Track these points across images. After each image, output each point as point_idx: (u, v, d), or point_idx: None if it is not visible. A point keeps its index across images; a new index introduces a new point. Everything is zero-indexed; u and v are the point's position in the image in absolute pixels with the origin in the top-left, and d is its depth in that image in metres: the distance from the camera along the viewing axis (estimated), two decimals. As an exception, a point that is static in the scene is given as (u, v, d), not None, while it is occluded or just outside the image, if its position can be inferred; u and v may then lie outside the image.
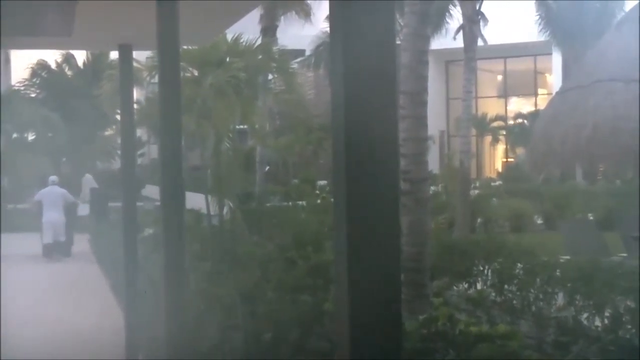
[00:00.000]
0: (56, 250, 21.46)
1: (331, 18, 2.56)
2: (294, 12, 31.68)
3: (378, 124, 2.47)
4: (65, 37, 8.89)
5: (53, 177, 23.34)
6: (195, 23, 8.07)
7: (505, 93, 50.98)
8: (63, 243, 21.62)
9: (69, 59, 38.13)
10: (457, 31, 26.84)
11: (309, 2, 32.00)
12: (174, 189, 6.11)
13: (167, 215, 6.17)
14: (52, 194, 22.05)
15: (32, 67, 37.31)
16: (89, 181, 29.31)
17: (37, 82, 37.34)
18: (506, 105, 50.11)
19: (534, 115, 40.78)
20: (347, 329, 2.43)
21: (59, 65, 38.17)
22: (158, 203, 21.01)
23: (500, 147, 48.55)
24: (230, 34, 21.08)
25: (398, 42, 15.81)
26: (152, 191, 30.40)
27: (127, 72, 9.35)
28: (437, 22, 27.70)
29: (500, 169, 47.16)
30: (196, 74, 21.07)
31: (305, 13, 32.04)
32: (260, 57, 23.34)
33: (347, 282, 2.43)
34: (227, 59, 21.61)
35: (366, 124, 2.46)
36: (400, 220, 11.77)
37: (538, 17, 31.35)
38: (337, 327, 2.60)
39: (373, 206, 2.46)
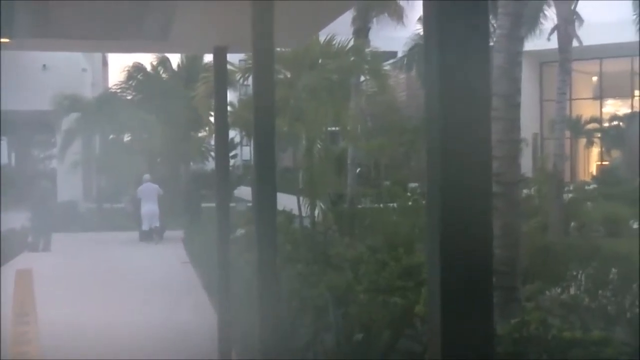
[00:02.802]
0: (153, 234, 25.20)
1: (425, 21, 2.57)
2: (386, 14, 31.60)
3: (473, 129, 2.48)
4: (161, 41, 9.07)
5: (147, 175, 27.22)
6: (288, 25, 8.14)
7: (600, 95, 50.03)
8: (158, 228, 25.42)
9: (164, 62, 38.73)
10: (552, 32, 26.51)
11: (401, 4, 31.93)
12: (266, 190, 6.18)
13: (259, 215, 6.24)
14: (147, 190, 26.10)
15: (128, 70, 37.96)
16: None
17: (133, 84, 37.95)
18: (601, 107, 49.19)
19: (630, 118, 40.02)
20: (438, 331, 2.44)
21: (154, 67, 38.77)
22: (250, 204, 21.36)
23: (595, 150, 47.72)
24: (322, 36, 21.18)
25: (491, 43, 15.68)
26: (244, 192, 30.83)
27: (221, 74, 9.46)
28: (532, 23, 27.36)
29: (594, 172, 46.31)
30: (289, 75, 21.21)
31: (398, 15, 31.94)
32: (352, 59, 23.38)
33: (439, 284, 2.44)
34: (320, 61, 21.71)
35: (461, 128, 2.46)
36: (492, 223, 11.69)
37: (635, 16, 30.70)
38: (428, 330, 2.62)
39: (466, 209, 2.46)
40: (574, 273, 12.84)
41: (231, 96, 32.39)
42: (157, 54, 35.73)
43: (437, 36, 2.46)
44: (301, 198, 18.70)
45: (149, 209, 25.49)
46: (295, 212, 19.67)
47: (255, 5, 6.29)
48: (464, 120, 2.47)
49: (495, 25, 13.68)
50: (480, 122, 2.50)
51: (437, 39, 2.46)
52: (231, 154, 42.22)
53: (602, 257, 12.78)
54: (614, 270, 11.91)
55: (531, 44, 28.25)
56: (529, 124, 40.73)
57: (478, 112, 2.49)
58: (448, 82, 2.46)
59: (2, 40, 7.93)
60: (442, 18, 2.46)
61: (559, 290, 12.85)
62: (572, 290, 12.54)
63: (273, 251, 6.21)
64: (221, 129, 9.49)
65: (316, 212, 18.20)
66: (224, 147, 9.59)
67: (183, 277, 17.44)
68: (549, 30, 27.79)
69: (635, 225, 25.20)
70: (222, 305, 9.02)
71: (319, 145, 21.24)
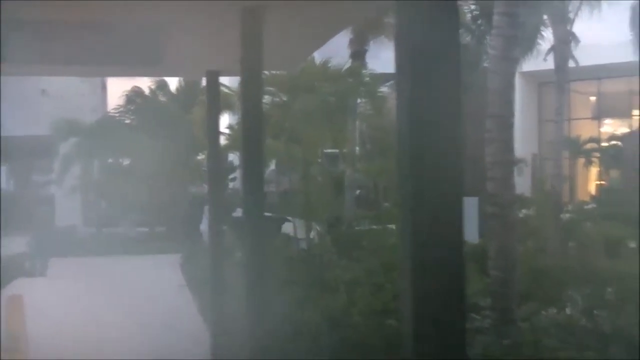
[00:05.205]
0: None
1: (397, 54, 2.59)
2: (383, 36, 31.66)
3: (443, 150, 2.49)
4: (155, 65, 9.10)
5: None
6: (281, 48, 8.17)
7: (599, 115, 50.01)
8: None
9: (162, 86, 38.66)
10: (548, 52, 26.54)
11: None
12: (255, 212, 6.18)
13: (249, 237, 6.24)
14: None
15: (126, 94, 37.88)
16: None
17: (132, 108, 37.84)
18: (599, 127, 49.16)
19: (629, 137, 40.03)
20: (411, 348, 2.44)
21: (152, 91, 38.73)
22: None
23: (594, 170, 47.64)
24: (319, 59, 21.20)
25: (485, 64, 15.71)
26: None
27: (214, 97, 9.51)
28: (529, 44, 27.40)
29: (593, 192, 46.21)
30: (285, 99, 21.22)
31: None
32: (349, 81, 23.36)
33: (411, 289, 2.44)
34: (316, 84, 21.70)
35: (431, 150, 2.48)
36: (488, 244, 11.63)
37: (632, 37, 30.76)
38: (402, 331, 2.62)
39: (438, 230, 2.47)
40: (570, 293, 12.81)
41: (231, 119, 32.45)
42: (154, 77, 35.75)
43: (409, 62, 2.48)
44: (297, 221, 18.68)
45: None
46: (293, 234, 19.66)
47: (243, 29, 6.32)
48: (435, 146, 2.48)
49: (489, 46, 13.73)
50: (451, 145, 2.51)
51: (409, 66, 2.48)
52: (231, 176, 42.21)
53: (599, 278, 12.76)
54: (609, 290, 11.89)
55: (529, 65, 28.31)
56: (528, 144, 40.70)
57: (449, 137, 2.50)
58: (419, 106, 2.48)
59: (-5, 65, 7.95)
60: (413, 52, 2.48)
61: (555, 310, 12.81)
62: (569, 311, 12.50)
63: (263, 273, 6.20)
64: (214, 152, 9.52)
65: (312, 234, 18.16)
66: (218, 170, 9.63)
67: (179, 301, 17.37)
68: (546, 51, 27.80)
69: (633, 245, 25.13)
70: (215, 329, 9.02)
71: (316, 168, 21.21)
